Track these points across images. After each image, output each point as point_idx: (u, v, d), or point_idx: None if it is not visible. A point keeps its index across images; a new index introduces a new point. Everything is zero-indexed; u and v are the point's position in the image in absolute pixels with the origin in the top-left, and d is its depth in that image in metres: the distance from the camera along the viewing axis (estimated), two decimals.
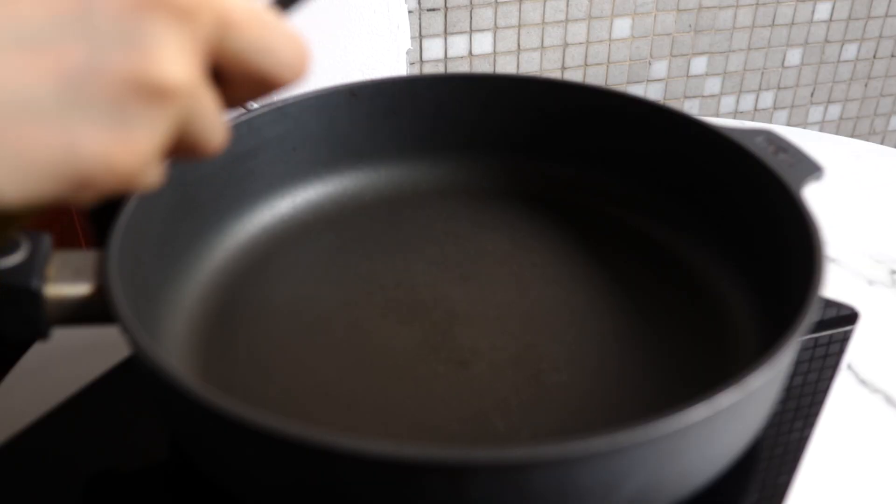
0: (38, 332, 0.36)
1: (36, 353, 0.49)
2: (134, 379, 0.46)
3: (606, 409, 0.40)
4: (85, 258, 0.37)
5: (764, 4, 0.94)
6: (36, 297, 0.35)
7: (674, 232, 0.50)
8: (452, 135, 0.54)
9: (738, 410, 0.33)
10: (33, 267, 0.35)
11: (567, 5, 0.88)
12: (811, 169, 0.45)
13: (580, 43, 0.91)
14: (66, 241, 0.75)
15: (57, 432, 0.43)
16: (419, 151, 0.54)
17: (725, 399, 0.31)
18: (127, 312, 0.34)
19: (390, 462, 0.29)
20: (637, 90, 0.96)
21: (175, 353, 0.42)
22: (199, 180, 0.46)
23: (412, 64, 0.87)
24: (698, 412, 0.31)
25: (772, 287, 0.43)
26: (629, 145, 0.52)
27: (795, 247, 0.40)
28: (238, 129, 0.48)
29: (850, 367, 0.48)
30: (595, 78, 0.94)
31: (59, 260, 0.37)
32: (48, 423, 0.43)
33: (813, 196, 0.43)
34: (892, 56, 1.04)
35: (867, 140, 1.01)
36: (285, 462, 0.31)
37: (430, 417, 0.39)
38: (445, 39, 0.86)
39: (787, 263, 0.41)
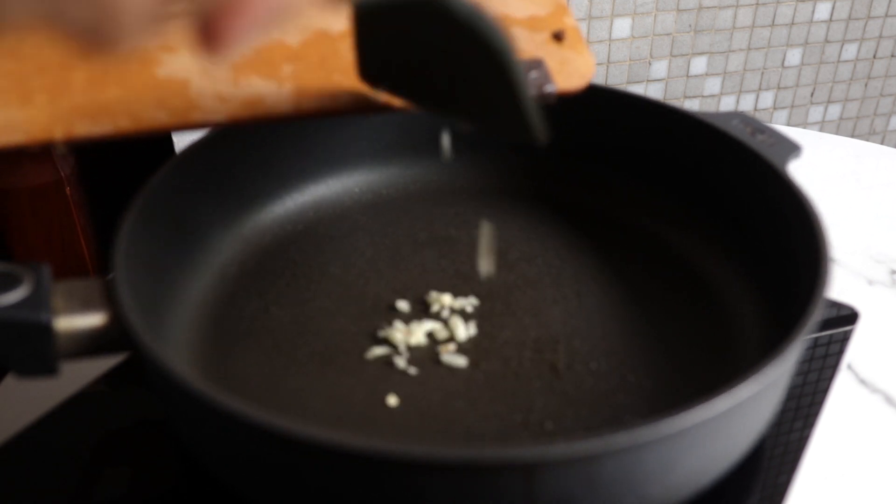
0: (48, 368, 0.35)
1: None
2: (134, 378, 0.46)
3: (610, 408, 0.40)
4: (90, 287, 0.36)
5: (764, 4, 0.94)
6: (46, 332, 0.34)
7: (674, 230, 0.50)
8: (456, 135, 0.54)
9: (743, 410, 0.33)
10: (39, 300, 0.34)
11: (567, 5, 0.88)
12: (791, 147, 0.46)
13: None
14: (66, 238, 0.75)
15: (57, 432, 0.43)
16: (421, 151, 0.54)
17: (725, 402, 0.31)
18: (155, 346, 0.33)
19: (401, 462, 0.29)
20: (637, 90, 0.96)
21: (184, 361, 0.42)
22: (194, 188, 0.46)
23: None
24: (698, 412, 0.31)
25: (777, 285, 0.43)
26: (629, 142, 0.52)
27: (800, 242, 0.41)
28: (236, 130, 0.48)
29: (850, 367, 0.48)
30: (595, 77, 0.94)
31: (63, 290, 0.36)
32: (48, 423, 0.43)
33: (813, 196, 0.43)
34: (892, 56, 1.04)
35: (867, 140, 1.01)
36: (295, 462, 0.31)
37: (445, 416, 0.39)
38: None
39: (792, 260, 0.42)
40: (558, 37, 0.41)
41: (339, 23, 0.41)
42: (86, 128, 0.37)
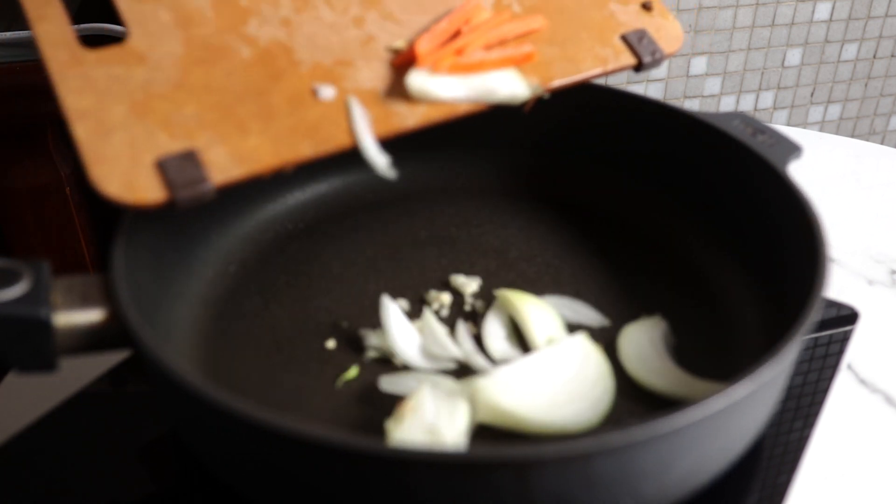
0: (47, 363, 0.35)
1: None
2: (133, 379, 0.46)
3: (613, 406, 0.40)
4: (89, 283, 0.36)
5: (764, 4, 0.94)
6: (45, 328, 0.34)
7: (673, 230, 0.50)
8: (456, 134, 0.54)
9: (740, 410, 0.33)
10: (39, 296, 0.34)
11: None
12: (791, 148, 0.46)
13: None
14: (66, 238, 0.75)
15: (57, 432, 0.43)
16: (422, 151, 0.54)
17: (720, 401, 0.31)
18: (154, 343, 0.33)
19: (397, 460, 0.29)
20: (637, 90, 0.96)
21: (182, 357, 0.42)
22: None
23: None
24: (694, 412, 0.31)
25: (776, 285, 0.43)
26: (629, 141, 0.52)
27: (800, 242, 0.41)
28: None
29: (850, 367, 0.48)
30: None
31: (62, 286, 0.36)
32: (48, 423, 0.43)
33: (813, 196, 0.43)
34: (892, 56, 1.04)
35: (867, 140, 1.01)
36: (292, 460, 0.31)
37: None
38: None
39: (792, 260, 0.42)
40: (647, 7, 0.45)
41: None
42: (310, 148, 0.39)
